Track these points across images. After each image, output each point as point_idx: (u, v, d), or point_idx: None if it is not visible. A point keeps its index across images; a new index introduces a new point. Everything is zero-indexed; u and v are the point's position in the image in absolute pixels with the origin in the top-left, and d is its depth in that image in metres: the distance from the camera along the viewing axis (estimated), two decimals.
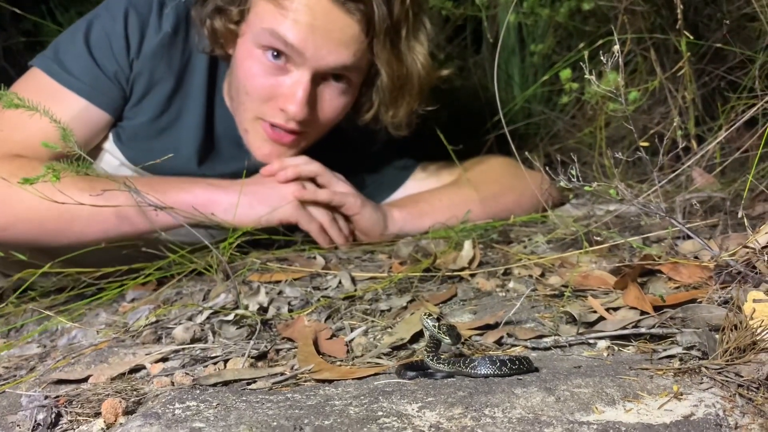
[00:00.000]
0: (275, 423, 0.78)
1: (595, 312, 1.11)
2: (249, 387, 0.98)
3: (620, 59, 1.13)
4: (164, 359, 1.12)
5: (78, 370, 1.11)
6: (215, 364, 1.08)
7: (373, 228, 1.67)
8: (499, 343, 1.07)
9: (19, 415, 0.94)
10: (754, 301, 0.93)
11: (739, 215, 1.13)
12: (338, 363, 1.05)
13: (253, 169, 1.63)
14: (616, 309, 1.12)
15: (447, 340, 0.94)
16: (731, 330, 0.90)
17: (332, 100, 1.61)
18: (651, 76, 1.91)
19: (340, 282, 1.38)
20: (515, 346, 1.06)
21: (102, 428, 0.89)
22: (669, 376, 0.87)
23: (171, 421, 0.80)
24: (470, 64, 2.50)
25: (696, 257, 1.27)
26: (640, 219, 1.56)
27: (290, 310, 1.27)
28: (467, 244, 1.45)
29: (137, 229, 1.53)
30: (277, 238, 1.60)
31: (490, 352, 1.04)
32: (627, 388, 0.85)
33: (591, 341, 1.04)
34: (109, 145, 1.68)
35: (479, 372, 0.91)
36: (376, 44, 1.55)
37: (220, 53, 1.64)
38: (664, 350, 0.97)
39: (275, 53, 1.53)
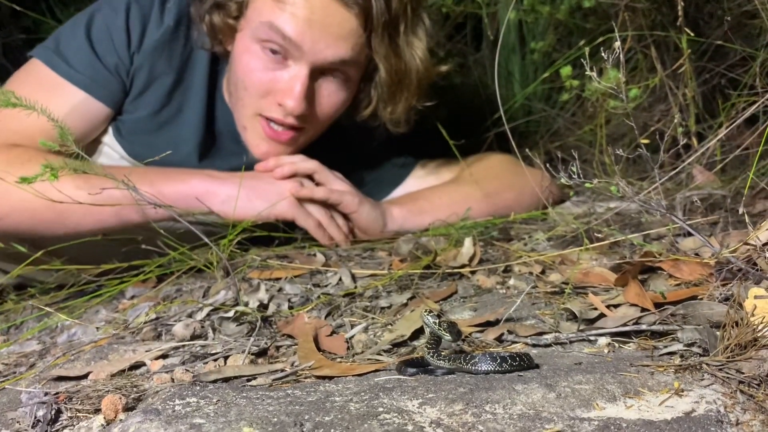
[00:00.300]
0: (276, 419, 0.78)
1: (595, 309, 1.11)
2: (249, 383, 0.98)
3: (621, 56, 1.13)
4: (164, 356, 1.12)
5: (78, 367, 1.11)
6: (215, 360, 1.08)
7: (372, 225, 1.67)
8: (499, 339, 1.07)
9: (19, 411, 0.94)
10: (755, 297, 0.93)
11: (740, 212, 1.13)
12: (338, 360, 1.05)
13: (252, 166, 1.63)
14: (616, 306, 1.12)
15: (447, 336, 0.94)
16: (732, 327, 0.90)
17: (330, 96, 1.61)
18: (651, 73, 1.91)
19: (340, 279, 1.38)
20: (516, 342, 1.06)
21: (102, 425, 0.89)
22: (670, 373, 0.87)
23: (171, 417, 0.80)
24: (470, 62, 2.50)
25: (697, 254, 1.27)
26: (641, 216, 1.56)
27: (290, 307, 1.27)
28: (467, 242, 1.45)
29: (133, 219, 1.53)
30: (276, 235, 1.60)
31: (491, 349, 1.04)
32: (628, 385, 0.84)
33: (591, 338, 1.04)
34: (109, 138, 1.68)
35: (480, 368, 0.91)
36: (374, 39, 1.55)
37: (219, 50, 1.64)
38: (665, 347, 0.97)
39: (273, 48, 1.53)
